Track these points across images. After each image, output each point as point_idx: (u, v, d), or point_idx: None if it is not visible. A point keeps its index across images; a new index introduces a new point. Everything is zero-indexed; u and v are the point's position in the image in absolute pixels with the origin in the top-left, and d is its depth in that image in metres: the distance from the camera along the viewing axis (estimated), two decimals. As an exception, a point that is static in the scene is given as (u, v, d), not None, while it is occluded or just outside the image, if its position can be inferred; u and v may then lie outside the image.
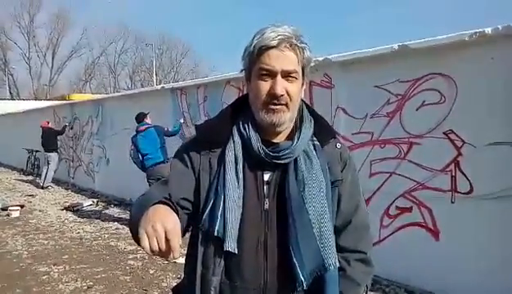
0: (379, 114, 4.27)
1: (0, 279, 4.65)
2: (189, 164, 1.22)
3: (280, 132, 1.21)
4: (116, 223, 7.24)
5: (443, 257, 3.80)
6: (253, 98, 1.19)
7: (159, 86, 8.81)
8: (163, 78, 46.60)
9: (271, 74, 1.14)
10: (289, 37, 1.13)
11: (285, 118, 1.17)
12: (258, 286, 1.16)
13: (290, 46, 1.14)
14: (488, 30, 3.47)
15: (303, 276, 1.12)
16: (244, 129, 1.20)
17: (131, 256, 5.41)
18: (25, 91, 46.04)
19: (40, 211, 8.42)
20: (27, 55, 47.23)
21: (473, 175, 3.65)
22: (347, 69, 4.62)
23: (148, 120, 6.74)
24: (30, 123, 15.08)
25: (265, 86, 1.14)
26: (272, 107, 1.15)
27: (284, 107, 1.15)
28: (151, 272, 4.80)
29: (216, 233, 1.12)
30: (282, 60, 1.13)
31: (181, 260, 5.23)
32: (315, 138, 1.23)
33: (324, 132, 1.25)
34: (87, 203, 8.94)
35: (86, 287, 4.40)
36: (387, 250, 4.04)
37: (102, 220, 7.43)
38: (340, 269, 1.20)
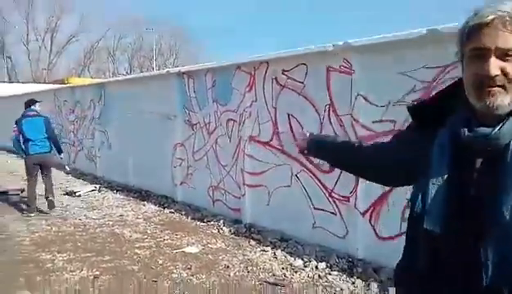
0: (403, 102, 4.05)
1: (1, 267, 4.46)
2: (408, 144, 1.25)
3: (500, 117, 1.04)
4: (120, 209, 7.05)
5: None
6: (466, 81, 1.08)
7: (164, 71, 8.56)
8: (163, 64, 46.15)
9: (484, 54, 1.01)
10: (507, 14, 1.00)
11: (502, 101, 1.01)
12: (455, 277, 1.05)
13: (506, 23, 1.00)
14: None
15: (486, 282, 0.98)
16: (457, 112, 1.11)
17: (137, 245, 5.22)
18: (24, 75, 45.54)
19: (40, 195, 8.21)
20: (26, 38, 46.69)
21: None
22: (368, 55, 4.40)
23: (37, 108, 7.14)
24: (30, 106, 14.82)
25: (477, 67, 1.03)
26: (486, 89, 1.01)
27: (500, 89, 1.01)
28: (160, 262, 4.62)
29: (416, 210, 1.10)
30: (496, 37, 1.00)
31: (190, 250, 4.96)
32: None
33: None
34: (90, 189, 8.75)
35: (93, 277, 4.21)
36: (403, 243, 3.86)
37: (106, 207, 7.25)
38: None
